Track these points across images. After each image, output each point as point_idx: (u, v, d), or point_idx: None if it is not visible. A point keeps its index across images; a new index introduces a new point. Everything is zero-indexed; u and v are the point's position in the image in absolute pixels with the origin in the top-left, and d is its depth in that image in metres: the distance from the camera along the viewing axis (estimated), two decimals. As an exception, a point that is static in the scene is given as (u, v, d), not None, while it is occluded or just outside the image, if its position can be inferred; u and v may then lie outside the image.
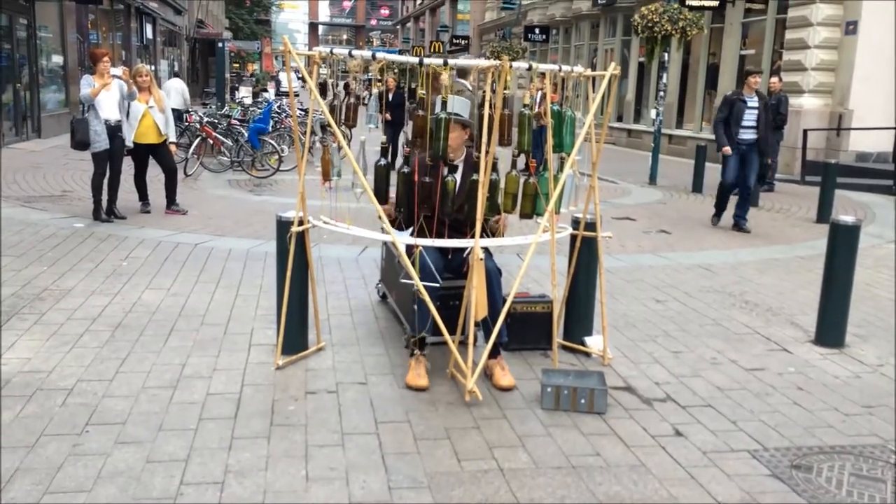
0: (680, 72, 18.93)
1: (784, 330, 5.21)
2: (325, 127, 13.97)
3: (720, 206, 9.06)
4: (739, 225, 8.75)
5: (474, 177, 3.93)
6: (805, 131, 13.58)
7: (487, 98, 3.75)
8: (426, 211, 4.00)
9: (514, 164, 4.04)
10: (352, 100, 3.92)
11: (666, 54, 13.58)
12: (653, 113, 14.23)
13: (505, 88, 3.75)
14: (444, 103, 3.87)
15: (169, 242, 7.12)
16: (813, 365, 4.58)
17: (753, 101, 8.65)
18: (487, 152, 3.75)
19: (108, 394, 3.75)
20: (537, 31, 26.82)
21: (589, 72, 4.27)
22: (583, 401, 3.79)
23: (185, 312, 5.09)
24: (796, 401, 4.05)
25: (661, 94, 13.85)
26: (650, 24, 12.77)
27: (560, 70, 4.10)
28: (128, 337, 4.57)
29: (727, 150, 8.63)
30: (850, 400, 4.07)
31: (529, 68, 3.91)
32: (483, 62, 3.78)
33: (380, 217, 3.97)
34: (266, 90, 32.92)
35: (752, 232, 8.63)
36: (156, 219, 8.26)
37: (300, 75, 3.96)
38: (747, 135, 8.64)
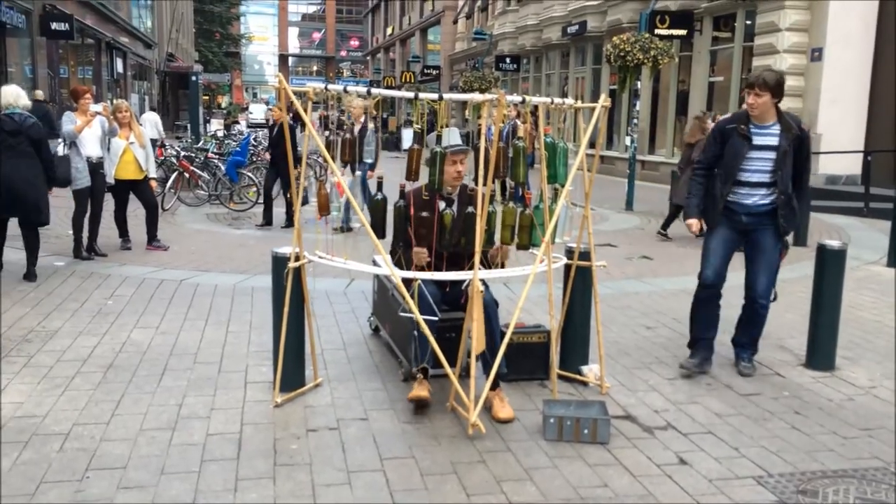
0: (651, 99, 19.27)
1: (774, 354, 5.27)
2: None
3: (694, 329, 4.92)
4: (738, 365, 4.91)
5: (469, 209, 3.96)
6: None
7: (483, 131, 3.78)
8: (424, 244, 4.01)
9: (510, 197, 4.07)
10: (348, 136, 3.92)
11: (638, 82, 13.83)
12: (627, 140, 14.45)
13: (478, 118, 3.82)
14: (439, 137, 3.90)
15: (153, 279, 7.04)
16: (807, 388, 4.64)
17: (767, 137, 4.56)
18: (485, 184, 3.78)
19: (105, 437, 3.68)
20: (508, 60, 27.20)
21: (579, 104, 4.33)
22: (586, 431, 3.79)
23: (177, 351, 5.02)
24: (794, 425, 4.08)
25: (635, 121, 14.07)
26: (622, 54, 13.00)
27: (552, 102, 4.15)
28: (120, 378, 4.49)
29: (692, 223, 4.88)
30: (847, 423, 4.12)
31: (523, 101, 3.96)
32: (478, 96, 3.83)
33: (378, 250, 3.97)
34: (238, 122, 32.92)
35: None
36: (137, 255, 8.17)
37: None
38: (752, 196, 4.64)
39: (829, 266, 4.90)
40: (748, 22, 15.83)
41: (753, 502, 3.26)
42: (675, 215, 10.06)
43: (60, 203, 9.21)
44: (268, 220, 10.59)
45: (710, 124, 10.30)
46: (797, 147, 4.61)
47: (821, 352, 4.98)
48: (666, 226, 10.30)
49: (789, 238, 4.87)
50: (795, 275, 7.58)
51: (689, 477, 3.47)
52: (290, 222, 10.26)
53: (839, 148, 13.85)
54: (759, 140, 4.58)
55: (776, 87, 4.49)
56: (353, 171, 10.32)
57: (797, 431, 4.00)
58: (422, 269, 4.05)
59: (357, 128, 10.77)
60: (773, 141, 4.56)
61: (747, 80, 4.65)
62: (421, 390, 4.02)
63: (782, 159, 4.55)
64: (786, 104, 14.40)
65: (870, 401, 4.45)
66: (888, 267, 8.40)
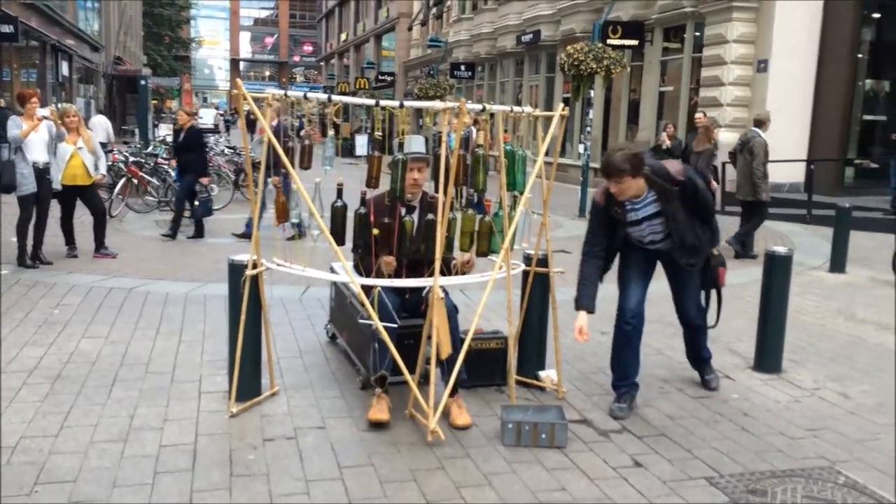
0: (603, 107, 19.56)
1: (724, 357, 5.39)
2: (241, 171, 13.04)
3: (619, 370, 4.42)
4: (703, 382, 4.82)
5: (430, 216, 3.98)
6: (723, 164, 14.19)
7: (444, 139, 3.81)
8: (385, 252, 4.01)
9: (469, 204, 4.10)
10: (306, 142, 3.91)
11: (591, 91, 14.03)
12: (580, 147, 14.64)
13: (434, 124, 3.85)
14: (401, 144, 3.91)
15: (101, 288, 6.88)
16: (755, 391, 4.76)
17: (646, 208, 4.15)
18: (445, 193, 3.79)
19: (54, 450, 3.58)
20: (463, 67, 27.34)
21: (538, 112, 4.39)
22: (543, 436, 3.83)
23: (127, 361, 4.91)
24: (744, 426, 4.19)
25: (588, 128, 14.27)
26: (576, 63, 13.18)
27: (511, 111, 4.20)
28: (69, 389, 4.38)
29: (582, 321, 4.20)
30: (793, 424, 4.24)
31: (483, 109, 4.00)
32: (439, 104, 3.85)
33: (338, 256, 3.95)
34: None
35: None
36: (84, 263, 7.98)
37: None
38: (653, 247, 4.35)
39: (777, 272, 5.04)
40: (697, 33, 16.19)
41: (706, 502, 3.33)
42: None
43: (5, 210, 8.95)
44: (199, 232, 9.95)
45: (717, 133, 10.49)
46: (685, 196, 4.08)
47: (768, 355, 5.12)
48: None
49: (717, 251, 4.45)
50: (744, 280, 7.77)
51: (643, 479, 3.53)
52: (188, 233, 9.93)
53: (784, 157, 14.23)
54: (640, 214, 4.16)
55: (633, 167, 3.92)
56: (271, 175, 10.03)
57: (746, 433, 4.10)
58: (381, 275, 4.05)
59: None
60: (654, 209, 4.13)
61: (602, 170, 4.05)
62: (380, 413, 3.95)
63: (672, 220, 4.11)
64: (732, 114, 14.76)
65: (815, 402, 4.59)
66: (830, 272, 8.66)
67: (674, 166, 4.14)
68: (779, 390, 4.78)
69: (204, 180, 10.12)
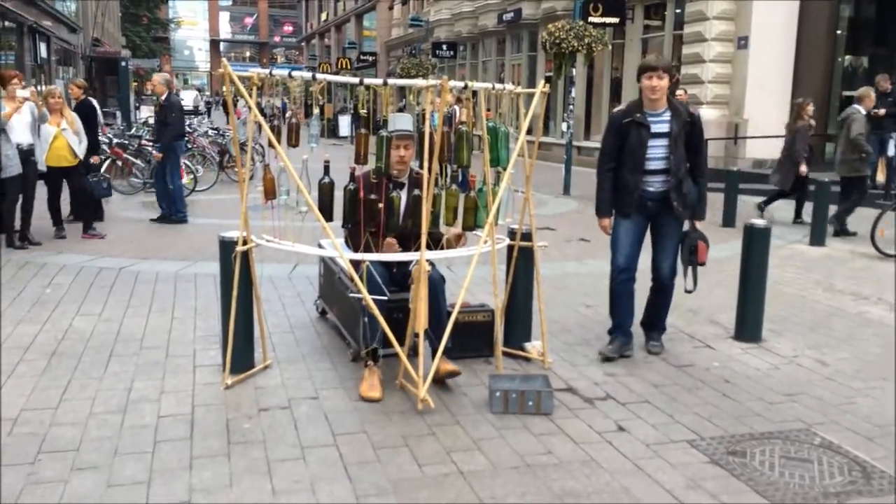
0: (585, 86, 19.64)
1: (705, 328, 5.54)
2: (224, 152, 12.71)
3: (615, 316, 4.91)
4: (648, 344, 5.03)
5: (416, 192, 4.07)
6: (706, 141, 14.33)
7: (427, 117, 3.89)
8: (372, 226, 4.10)
9: (453, 179, 4.19)
10: (294, 121, 3.97)
11: (573, 69, 14.10)
12: (563, 126, 14.73)
13: (417, 104, 3.92)
14: (385, 121, 3.99)
15: (91, 267, 6.93)
16: (736, 359, 4.90)
17: (661, 124, 4.59)
18: (430, 169, 3.88)
19: (55, 422, 3.67)
20: (445, 47, 27.24)
21: (520, 89, 4.47)
22: (530, 403, 3.95)
23: (122, 337, 4.99)
24: (725, 393, 4.33)
25: (571, 107, 14.35)
26: (557, 41, 13.24)
27: (493, 88, 4.28)
28: (65, 364, 4.46)
29: (605, 223, 4.84)
30: (772, 390, 4.39)
31: (465, 87, 4.08)
32: (422, 82, 3.92)
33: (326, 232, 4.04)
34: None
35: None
36: (73, 244, 8.01)
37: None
38: (654, 183, 4.66)
39: (756, 244, 5.18)
40: (678, 10, 16.28)
41: (687, 463, 3.47)
42: (776, 197, 10.62)
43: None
44: (99, 217, 9.25)
45: (810, 109, 10.47)
46: (689, 132, 4.66)
47: (748, 325, 5.27)
48: (768, 202, 10.65)
49: (701, 226, 4.81)
50: (725, 254, 7.92)
51: (627, 443, 3.67)
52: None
53: (765, 132, 14.40)
54: (655, 128, 4.60)
55: (669, 70, 4.61)
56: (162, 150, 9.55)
57: (727, 398, 4.25)
58: (369, 250, 4.14)
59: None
60: (666, 128, 4.60)
61: (645, 64, 4.61)
62: (372, 390, 4.05)
63: (675, 145, 4.60)
64: (714, 91, 14.83)
65: (793, 369, 4.75)
66: (811, 245, 8.84)
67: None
68: (759, 358, 4.93)
69: (94, 159, 9.34)
